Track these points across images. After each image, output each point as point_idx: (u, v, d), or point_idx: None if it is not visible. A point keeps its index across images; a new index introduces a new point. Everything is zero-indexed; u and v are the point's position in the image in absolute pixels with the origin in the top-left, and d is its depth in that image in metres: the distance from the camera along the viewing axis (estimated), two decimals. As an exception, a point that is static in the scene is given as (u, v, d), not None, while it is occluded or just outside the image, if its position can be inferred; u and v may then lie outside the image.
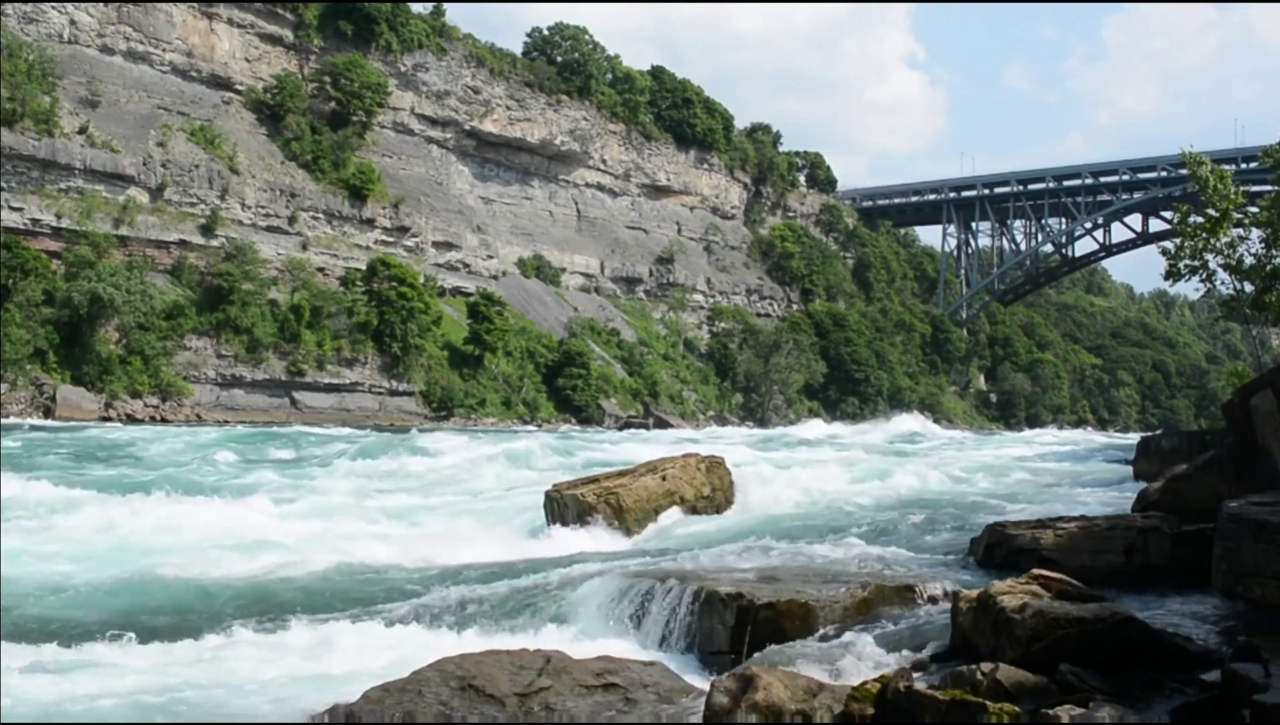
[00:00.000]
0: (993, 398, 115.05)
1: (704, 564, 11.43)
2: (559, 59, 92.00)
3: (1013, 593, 7.51)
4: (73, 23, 62.29)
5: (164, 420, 52.19)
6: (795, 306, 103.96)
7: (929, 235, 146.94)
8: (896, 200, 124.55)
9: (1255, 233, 25.68)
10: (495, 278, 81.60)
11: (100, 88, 60.96)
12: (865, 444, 41.88)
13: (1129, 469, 22.67)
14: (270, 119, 71.16)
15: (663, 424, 74.66)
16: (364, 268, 68.16)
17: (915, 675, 6.93)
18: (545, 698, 7.52)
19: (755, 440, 45.28)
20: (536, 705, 7.43)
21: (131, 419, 50.95)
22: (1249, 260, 24.80)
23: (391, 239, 73.97)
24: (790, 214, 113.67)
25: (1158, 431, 57.05)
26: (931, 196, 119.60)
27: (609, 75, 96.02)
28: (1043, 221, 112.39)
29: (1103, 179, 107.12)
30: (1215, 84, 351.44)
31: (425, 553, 14.12)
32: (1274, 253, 24.53)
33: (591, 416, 73.24)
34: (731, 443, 36.52)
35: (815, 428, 67.04)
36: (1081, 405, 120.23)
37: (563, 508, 15.50)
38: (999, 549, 11.34)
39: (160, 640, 9.82)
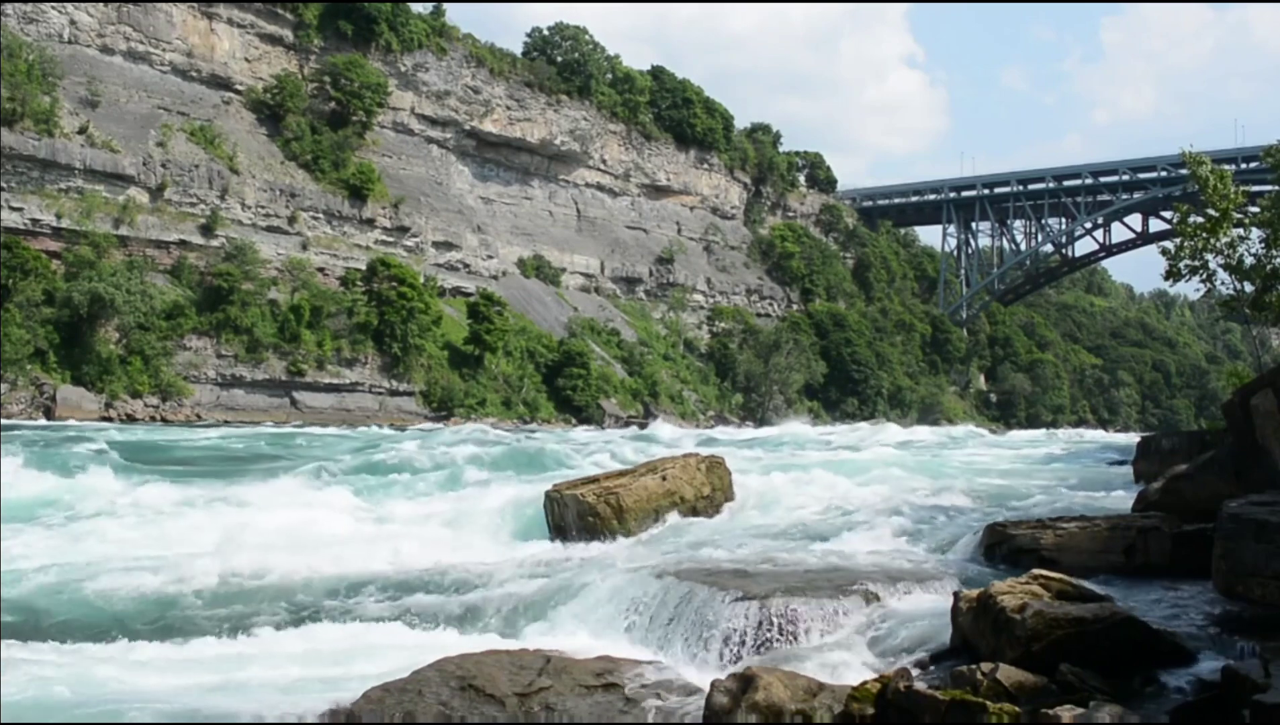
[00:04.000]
0: (993, 398, 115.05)
1: (704, 564, 11.43)
2: (559, 59, 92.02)
3: (1013, 593, 7.51)
4: (73, 23, 62.28)
5: (164, 420, 52.18)
6: (795, 306, 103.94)
7: (929, 235, 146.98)
8: (896, 200, 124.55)
9: (1255, 233, 25.69)
10: (495, 278, 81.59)
11: (100, 88, 60.95)
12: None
13: (1129, 469, 22.64)
14: (270, 119, 71.15)
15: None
16: (364, 268, 68.13)
17: (915, 675, 6.93)
18: (545, 698, 7.53)
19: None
20: (536, 705, 7.44)
21: (131, 419, 50.92)
22: (1249, 260, 24.80)
23: (391, 239, 73.96)
24: (790, 214, 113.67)
25: (1158, 431, 56.97)
26: (931, 196, 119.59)
27: (609, 75, 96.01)
28: (1043, 221, 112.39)
29: (1103, 179, 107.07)
30: (1212, 84, 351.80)
31: (425, 554, 14.12)
32: (1274, 253, 24.53)
33: (591, 416, 73.20)
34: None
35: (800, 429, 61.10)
36: (1081, 405, 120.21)
37: (563, 508, 15.49)
38: (999, 549, 11.34)
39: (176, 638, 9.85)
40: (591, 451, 29.11)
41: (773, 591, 9.50)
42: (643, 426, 70.76)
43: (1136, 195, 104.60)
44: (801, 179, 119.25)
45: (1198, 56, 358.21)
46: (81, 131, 58.17)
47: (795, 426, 64.86)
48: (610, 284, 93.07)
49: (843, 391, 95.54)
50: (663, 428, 57.66)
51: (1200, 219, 24.81)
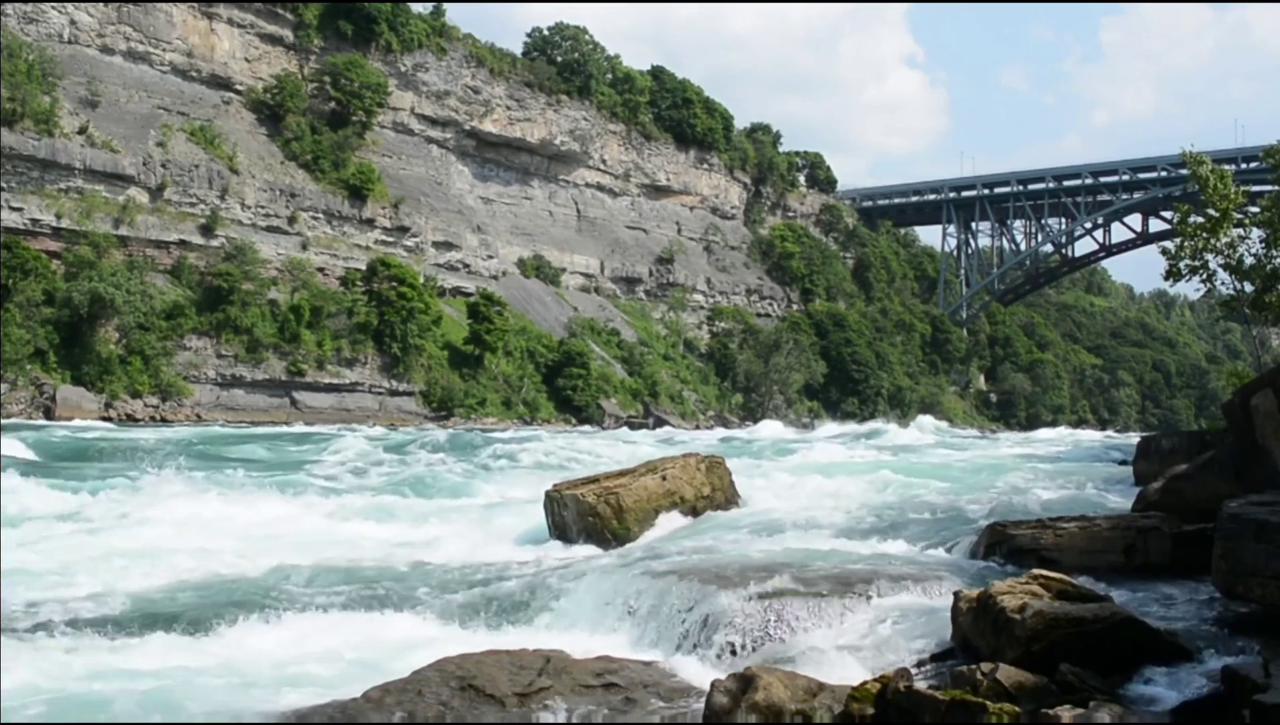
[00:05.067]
0: (993, 398, 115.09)
1: (703, 563, 11.43)
2: (559, 59, 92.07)
3: (1013, 593, 7.51)
4: (73, 23, 62.30)
5: (164, 420, 52.19)
6: (795, 306, 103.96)
7: (929, 235, 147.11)
8: (896, 200, 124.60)
9: (1255, 233, 25.72)
10: (495, 278, 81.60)
11: (100, 88, 60.97)
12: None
13: (1129, 469, 22.62)
14: (270, 119, 71.17)
15: (663, 424, 74.70)
16: (364, 268, 68.16)
17: (915, 675, 6.94)
18: (545, 698, 7.53)
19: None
20: (536, 705, 7.44)
21: (131, 419, 50.94)
22: (1249, 260, 24.83)
23: (391, 239, 73.98)
24: (790, 214, 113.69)
25: (1158, 431, 56.95)
26: (931, 196, 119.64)
27: (609, 75, 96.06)
28: (1043, 221, 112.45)
29: (1103, 179, 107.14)
30: (1212, 84, 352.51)
31: (425, 553, 14.13)
32: (1274, 253, 24.56)
33: (591, 416, 73.22)
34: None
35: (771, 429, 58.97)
36: (1081, 405, 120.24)
37: (562, 507, 15.49)
38: (999, 549, 11.33)
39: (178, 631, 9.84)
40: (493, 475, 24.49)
41: (773, 591, 9.50)
42: (644, 427, 70.95)
43: (1136, 195, 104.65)
44: (801, 179, 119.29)
45: (1198, 56, 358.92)
46: (81, 131, 58.19)
47: (776, 427, 64.17)
48: (610, 284, 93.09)
49: (843, 391, 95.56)
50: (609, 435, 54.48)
51: (1200, 219, 24.81)
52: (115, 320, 53.68)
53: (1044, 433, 77.05)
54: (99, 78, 61.31)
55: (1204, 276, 25.33)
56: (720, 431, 67.17)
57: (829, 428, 65.94)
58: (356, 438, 36.28)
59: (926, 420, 64.17)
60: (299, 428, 50.36)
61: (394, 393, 65.80)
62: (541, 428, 62.16)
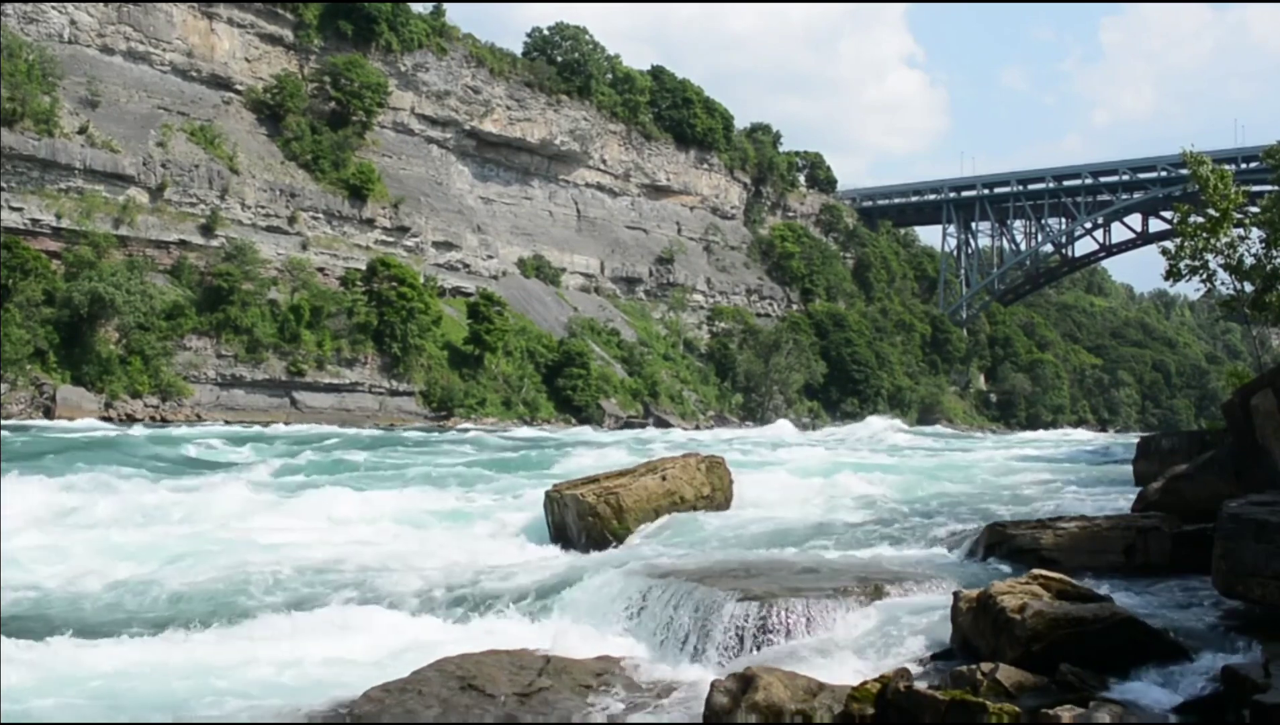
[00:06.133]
0: (993, 398, 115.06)
1: (703, 564, 11.43)
2: (559, 59, 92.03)
3: (1013, 593, 7.52)
4: (73, 23, 62.27)
5: (164, 420, 52.17)
6: (795, 306, 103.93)
7: (929, 235, 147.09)
8: (896, 200, 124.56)
9: (1255, 233, 25.74)
10: (495, 278, 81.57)
11: (100, 88, 60.94)
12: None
13: (1129, 469, 22.62)
14: (270, 119, 71.13)
15: (663, 424, 74.68)
16: (364, 268, 68.11)
17: (915, 675, 6.94)
18: (545, 697, 7.53)
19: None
20: (536, 705, 7.44)
21: (131, 419, 50.90)
22: (1249, 260, 24.84)
23: (391, 239, 73.94)
24: (790, 214, 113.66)
25: (1158, 431, 56.95)
26: (931, 196, 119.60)
27: (609, 75, 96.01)
28: (1043, 221, 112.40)
29: (1103, 179, 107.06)
30: (1212, 84, 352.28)
31: (425, 554, 14.12)
32: (1274, 253, 24.57)
33: (591, 416, 73.20)
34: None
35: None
36: (1081, 405, 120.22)
37: (563, 508, 15.49)
38: (999, 549, 11.35)
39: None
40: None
41: (773, 591, 9.50)
42: (644, 427, 70.97)
43: (1136, 195, 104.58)
44: (801, 179, 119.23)
45: (1198, 56, 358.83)
46: (81, 131, 58.15)
47: (787, 427, 64.50)
48: (610, 284, 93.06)
49: (843, 391, 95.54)
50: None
51: (1200, 219, 24.82)
52: (115, 320, 53.63)
53: (1026, 434, 76.71)
54: (99, 78, 61.27)
55: (1204, 276, 25.35)
56: (720, 432, 67.19)
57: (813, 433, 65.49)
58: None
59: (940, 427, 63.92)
60: (296, 427, 50.32)
61: (394, 393, 65.77)
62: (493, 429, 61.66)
